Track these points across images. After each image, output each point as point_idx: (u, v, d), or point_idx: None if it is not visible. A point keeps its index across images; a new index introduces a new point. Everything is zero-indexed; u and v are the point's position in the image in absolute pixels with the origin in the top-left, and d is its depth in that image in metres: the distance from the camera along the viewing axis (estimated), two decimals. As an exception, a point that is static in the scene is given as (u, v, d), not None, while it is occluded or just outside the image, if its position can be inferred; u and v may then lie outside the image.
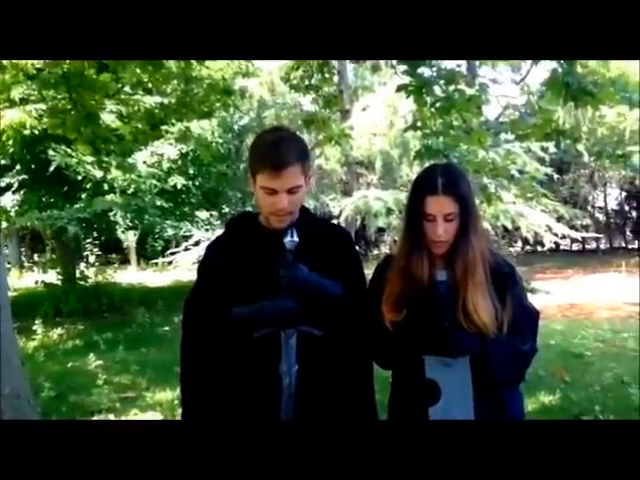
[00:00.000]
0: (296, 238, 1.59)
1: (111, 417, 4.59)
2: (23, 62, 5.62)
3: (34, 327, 8.03)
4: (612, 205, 24.15)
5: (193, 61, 6.24)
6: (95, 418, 4.57)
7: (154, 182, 9.89)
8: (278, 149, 1.58)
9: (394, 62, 4.25)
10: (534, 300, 1.81)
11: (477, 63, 11.18)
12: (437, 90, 3.70)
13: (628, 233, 24.24)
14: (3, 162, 9.78)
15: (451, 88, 3.66)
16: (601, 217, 23.46)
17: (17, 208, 10.13)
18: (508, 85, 17.84)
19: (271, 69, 15.37)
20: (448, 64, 3.97)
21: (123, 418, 4.58)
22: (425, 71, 3.68)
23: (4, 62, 5.35)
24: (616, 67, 11.62)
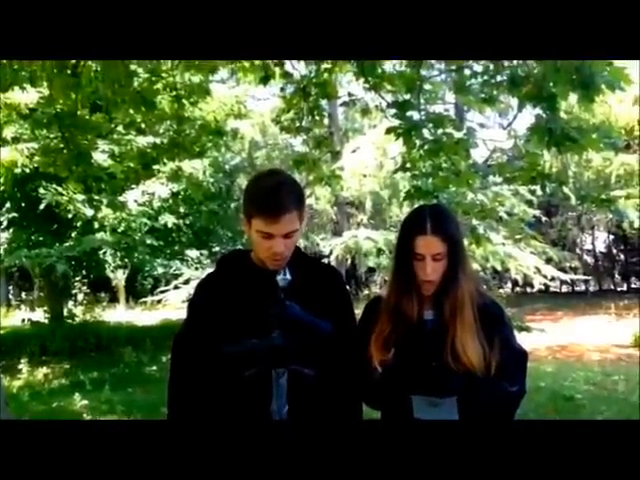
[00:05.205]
0: (289, 276, 1.59)
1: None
2: (16, 102, 5.69)
3: (20, 366, 7.93)
4: (600, 248, 24.34)
5: (185, 102, 6.33)
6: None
7: (145, 220, 9.90)
8: (277, 195, 1.56)
9: (384, 105, 4.33)
10: (527, 339, 1.81)
11: (465, 107, 11.41)
12: (426, 133, 3.77)
13: (617, 275, 24.38)
14: (-7, 200, 9.79)
15: (439, 131, 3.73)
16: (589, 259, 23.60)
17: (6, 246, 10.09)
18: (495, 129, 18.16)
19: (262, 111, 15.62)
20: (436, 108, 4.07)
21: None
22: (414, 114, 3.76)
23: (-3, 102, 5.41)
24: (600, 113, 11.87)
